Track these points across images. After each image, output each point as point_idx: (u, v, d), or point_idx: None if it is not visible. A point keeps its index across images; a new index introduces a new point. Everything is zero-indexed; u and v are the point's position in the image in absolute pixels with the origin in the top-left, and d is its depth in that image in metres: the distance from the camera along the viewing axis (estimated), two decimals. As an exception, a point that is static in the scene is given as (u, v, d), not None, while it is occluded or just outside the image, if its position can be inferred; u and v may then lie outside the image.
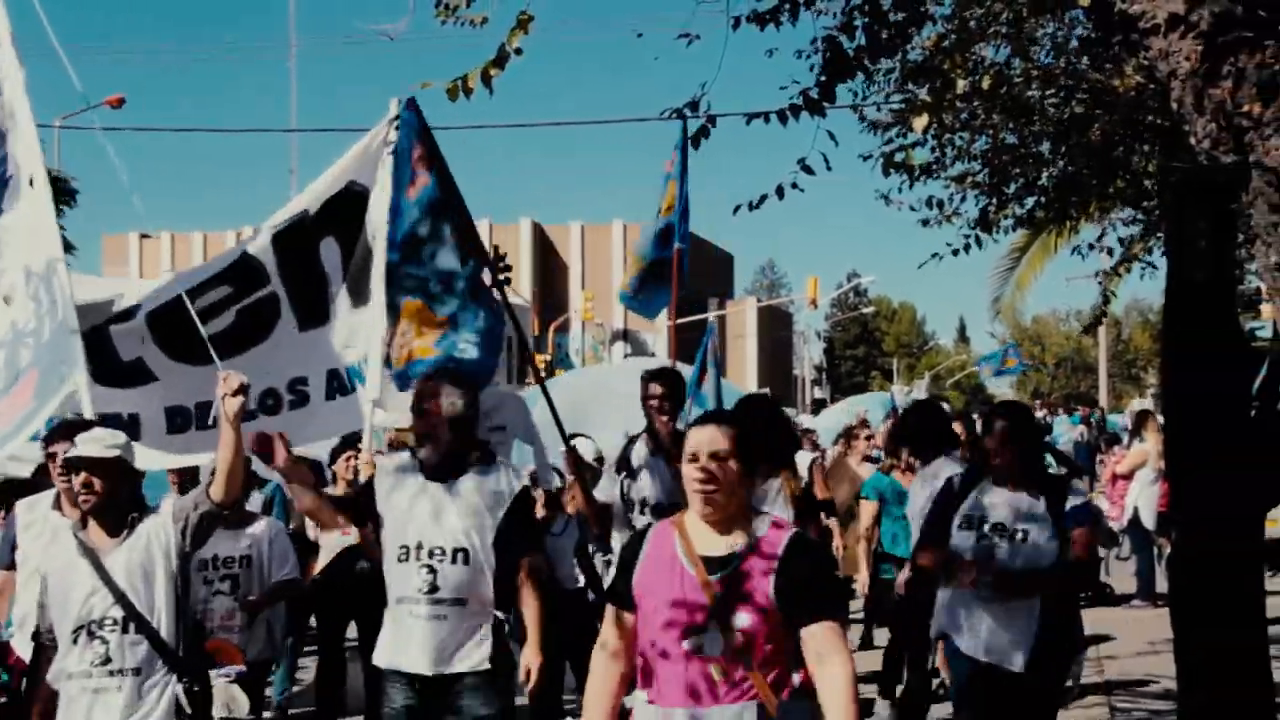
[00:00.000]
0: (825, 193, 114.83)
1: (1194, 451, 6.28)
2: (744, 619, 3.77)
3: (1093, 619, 12.65)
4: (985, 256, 15.08)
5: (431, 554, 5.36)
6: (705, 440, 3.87)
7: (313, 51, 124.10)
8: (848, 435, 12.19)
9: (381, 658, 5.50)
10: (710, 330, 9.53)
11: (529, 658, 5.50)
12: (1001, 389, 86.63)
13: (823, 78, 5.19)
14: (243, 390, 4.87)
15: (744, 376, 68.27)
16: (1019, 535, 5.82)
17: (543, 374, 9.14)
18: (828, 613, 3.85)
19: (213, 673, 5.24)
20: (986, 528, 5.89)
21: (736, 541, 3.86)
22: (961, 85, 4.73)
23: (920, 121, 4.70)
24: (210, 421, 6.33)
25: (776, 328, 75.39)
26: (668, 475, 6.51)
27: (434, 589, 5.33)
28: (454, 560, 5.35)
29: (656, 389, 6.84)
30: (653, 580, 3.90)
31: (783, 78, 5.91)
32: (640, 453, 6.80)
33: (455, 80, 4.44)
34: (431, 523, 5.40)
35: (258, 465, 6.28)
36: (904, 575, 8.03)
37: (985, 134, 7.21)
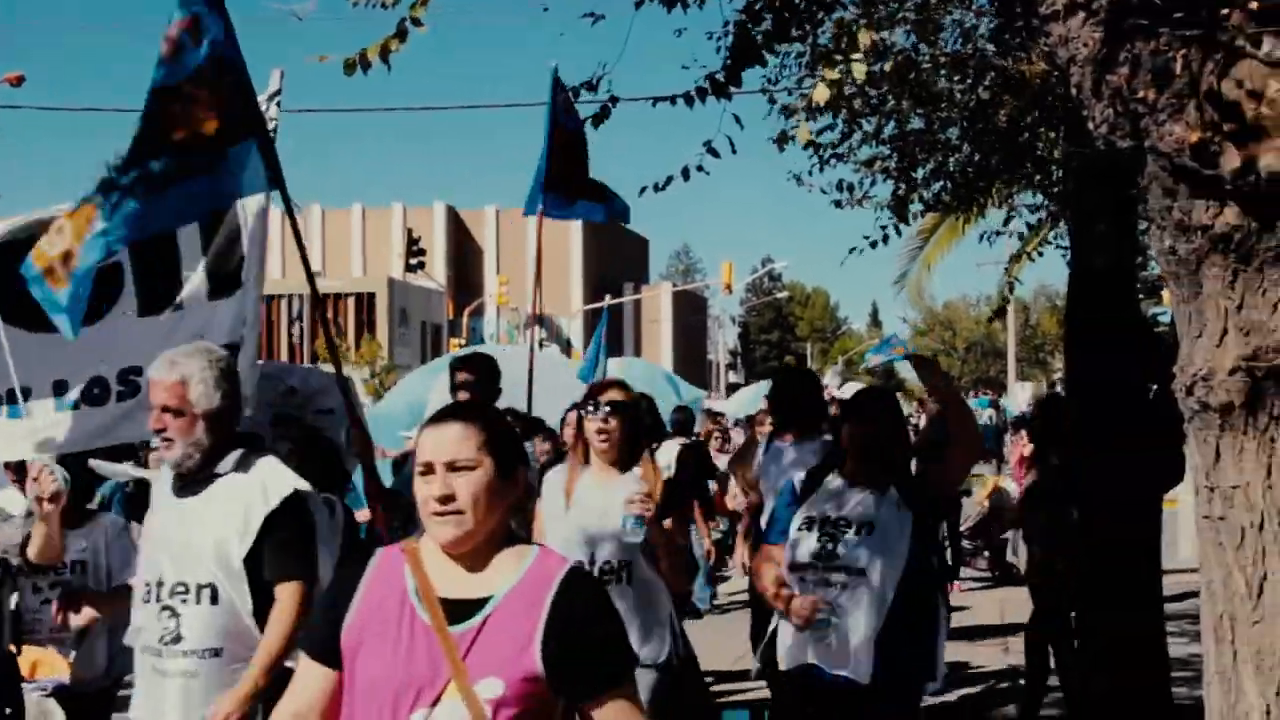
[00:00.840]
0: (740, 178, 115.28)
1: (1094, 435, 6.40)
2: (495, 688, 2.76)
3: (1000, 598, 12.92)
4: (898, 241, 15.27)
5: (173, 593, 4.21)
6: (442, 445, 2.86)
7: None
8: (753, 419, 12.27)
9: None
10: (604, 318, 9.53)
11: (219, 704, 4.06)
12: (911, 374, 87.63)
13: (729, 62, 5.19)
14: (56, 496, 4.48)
15: (659, 361, 68.42)
16: (864, 531, 5.03)
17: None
18: (616, 681, 2.87)
19: (28, 686, 4.98)
20: (829, 527, 5.10)
21: (491, 581, 2.86)
22: (860, 71, 4.76)
23: (821, 92, 4.71)
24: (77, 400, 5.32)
25: (691, 312, 75.68)
26: None
27: (178, 638, 4.19)
28: (199, 599, 4.18)
29: (464, 376, 6.22)
30: (370, 628, 2.84)
31: (694, 59, 5.88)
32: None
33: (354, 55, 4.32)
34: (173, 553, 4.27)
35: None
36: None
37: (894, 119, 7.27)
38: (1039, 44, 3.22)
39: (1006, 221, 9.96)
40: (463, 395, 6.07)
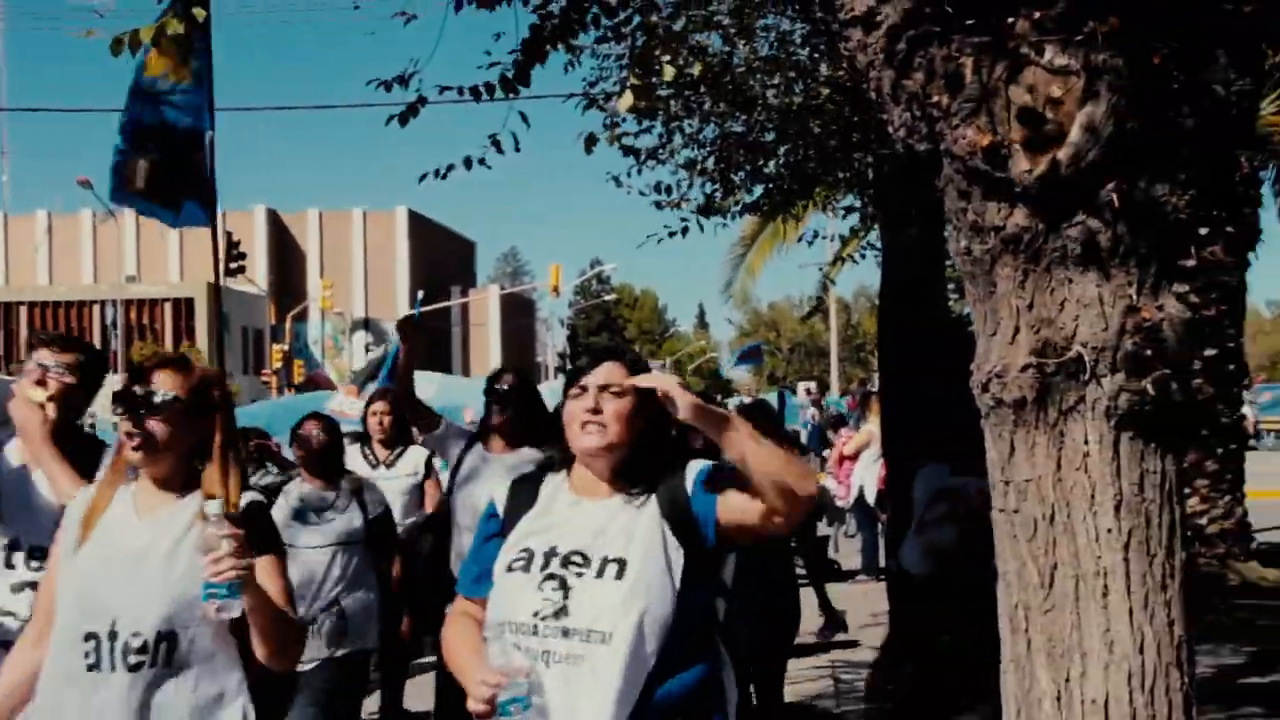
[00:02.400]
0: (568, 180, 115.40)
1: (905, 431, 6.56)
2: None
3: (821, 594, 13.13)
4: (723, 245, 15.53)
5: None
6: None
7: (25, 28, 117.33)
8: None
9: None
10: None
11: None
12: (741, 376, 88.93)
13: (519, 59, 5.17)
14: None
15: (487, 364, 67.94)
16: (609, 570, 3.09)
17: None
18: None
19: None
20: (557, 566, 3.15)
21: None
22: (669, 73, 4.79)
23: (625, 101, 4.74)
24: None
25: (520, 315, 75.46)
26: None
27: None
28: None
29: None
30: None
31: (492, 56, 5.82)
32: None
33: (124, 33, 4.01)
34: None
35: None
36: None
37: (712, 122, 7.34)
38: (841, 49, 3.28)
39: (842, 216, 10.13)
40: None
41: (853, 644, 10.35)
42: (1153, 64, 2.85)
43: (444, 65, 5.66)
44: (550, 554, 3.09)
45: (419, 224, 67.74)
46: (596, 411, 3.10)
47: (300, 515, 6.19)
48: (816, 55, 6.87)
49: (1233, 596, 12.26)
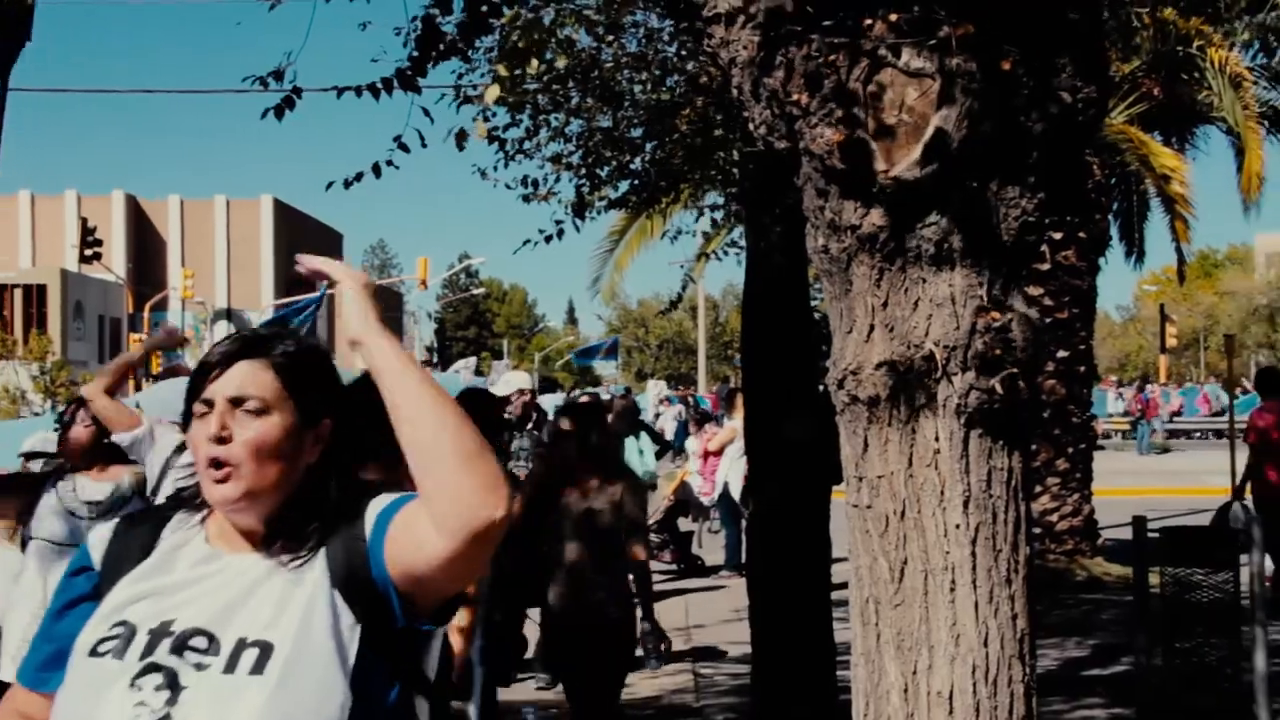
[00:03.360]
0: (438, 173, 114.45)
1: (767, 428, 6.62)
2: None
3: (684, 588, 13.23)
4: (592, 241, 15.51)
5: None
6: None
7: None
8: None
9: None
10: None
11: None
12: (609, 371, 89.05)
13: (415, 55, 5.11)
14: None
15: (355, 357, 67.11)
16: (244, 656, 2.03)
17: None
18: None
19: None
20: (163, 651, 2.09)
21: None
22: (534, 67, 4.77)
23: (492, 93, 4.70)
24: None
25: (387, 308, 74.57)
26: None
27: None
28: None
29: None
30: None
31: (384, 51, 5.74)
32: None
33: None
34: None
35: None
36: None
37: (581, 116, 7.32)
38: (704, 46, 3.30)
39: (698, 219, 10.20)
40: None
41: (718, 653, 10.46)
42: (1003, 70, 2.91)
43: (323, 56, 5.55)
44: (160, 632, 2.05)
45: (285, 213, 66.56)
46: (223, 440, 2.10)
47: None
48: (684, 52, 6.89)
49: (1079, 591, 12.65)
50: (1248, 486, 12.11)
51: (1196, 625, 8.35)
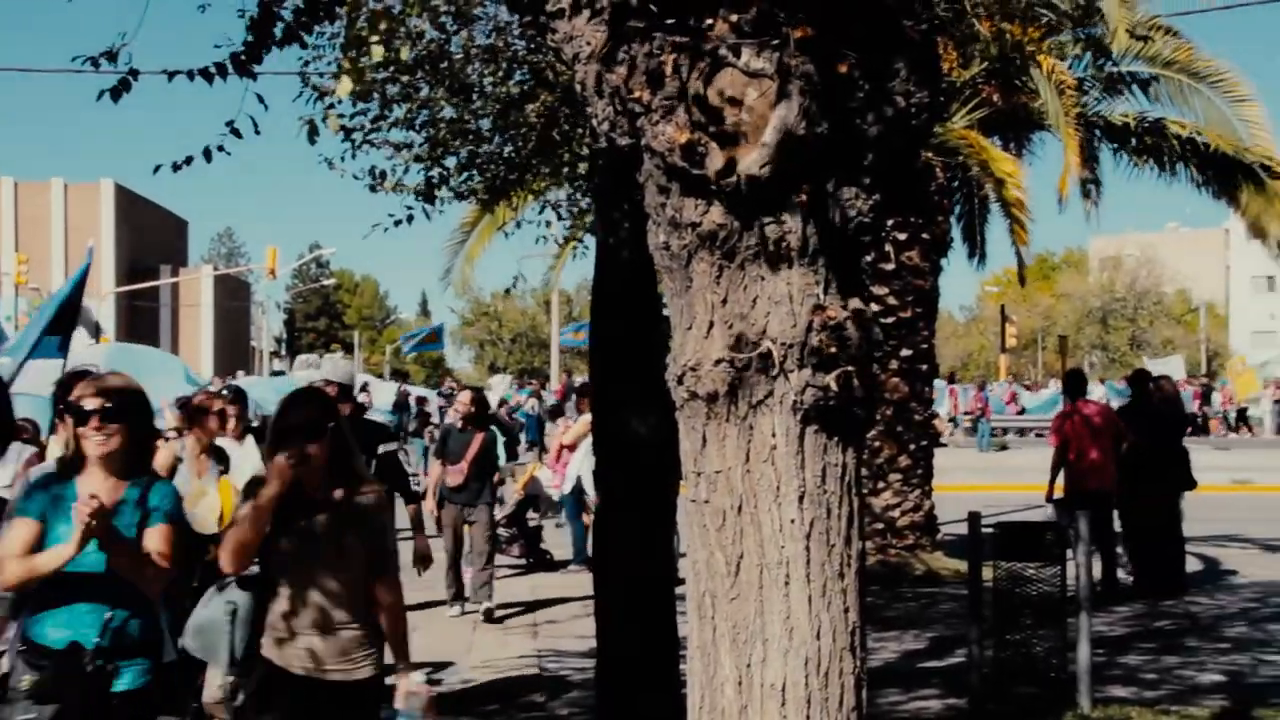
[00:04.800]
0: (288, 161, 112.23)
1: (614, 423, 6.63)
2: None
3: (532, 584, 13.22)
4: (445, 233, 15.34)
5: None
6: None
7: None
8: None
9: None
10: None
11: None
12: (461, 364, 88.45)
13: (251, 39, 4.99)
14: None
15: (198, 347, 65.56)
16: None
17: None
18: None
19: None
20: None
21: None
22: (378, 53, 4.69)
23: (344, 86, 4.63)
24: None
25: (234, 297, 72.98)
26: None
27: None
28: None
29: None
30: None
31: (228, 37, 5.58)
32: None
33: None
34: None
35: None
36: None
37: (428, 107, 7.25)
38: (548, 40, 3.28)
39: (541, 211, 10.15)
40: None
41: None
42: (840, 72, 2.96)
43: (169, 37, 5.39)
44: None
45: (126, 199, 64.60)
46: None
47: None
48: (534, 45, 6.87)
49: (918, 585, 12.96)
50: (1058, 483, 12.59)
51: (1026, 617, 8.63)
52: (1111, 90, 14.80)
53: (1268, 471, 26.56)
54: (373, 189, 7.52)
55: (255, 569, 4.69)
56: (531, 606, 11.91)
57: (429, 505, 11.73)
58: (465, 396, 12.63)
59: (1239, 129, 14.15)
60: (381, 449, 8.28)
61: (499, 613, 11.35)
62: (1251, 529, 17.03)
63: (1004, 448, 35.43)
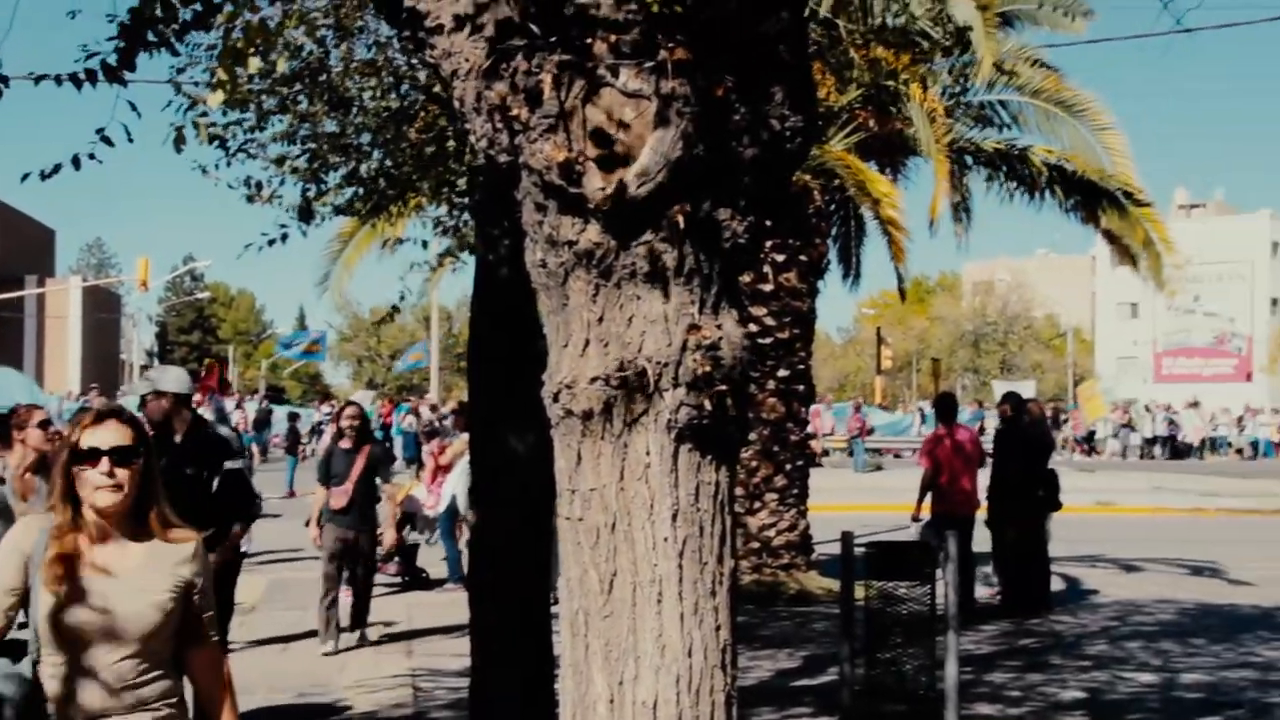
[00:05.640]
0: (161, 171, 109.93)
1: (491, 442, 6.61)
2: None
3: (408, 602, 13.08)
4: (325, 244, 15.10)
5: None
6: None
7: None
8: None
9: None
10: None
11: None
12: (339, 380, 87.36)
13: (122, 45, 4.88)
14: None
15: (65, 359, 63.78)
16: None
17: None
18: None
19: None
20: None
21: None
22: (254, 65, 4.63)
23: (215, 98, 4.57)
24: None
25: (103, 309, 71.17)
26: None
27: None
28: None
29: None
30: None
31: (99, 41, 5.44)
32: None
33: None
34: None
35: None
36: None
37: (308, 121, 7.15)
38: (427, 57, 3.25)
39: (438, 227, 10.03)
40: None
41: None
42: (717, 95, 3.00)
43: (30, 38, 5.24)
44: None
45: None
46: None
47: None
48: (415, 61, 6.83)
49: (793, 604, 13.09)
50: (925, 503, 12.87)
51: (897, 636, 8.77)
52: (982, 118, 15.19)
53: (1129, 493, 27.38)
54: (250, 199, 7.40)
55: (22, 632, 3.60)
56: (407, 625, 11.78)
57: (311, 531, 11.24)
58: (352, 410, 11.92)
59: (1103, 157, 14.60)
60: (227, 465, 7.55)
61: (373, 634, 11.20)
62: (1113, 549, 17.53)
63: (879, 468, 36.03)
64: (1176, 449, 47.48)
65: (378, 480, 11.23)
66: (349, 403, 13.77)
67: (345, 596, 11.38)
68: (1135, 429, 48.39)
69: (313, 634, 10.87)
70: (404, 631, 11.56)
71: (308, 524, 11.68)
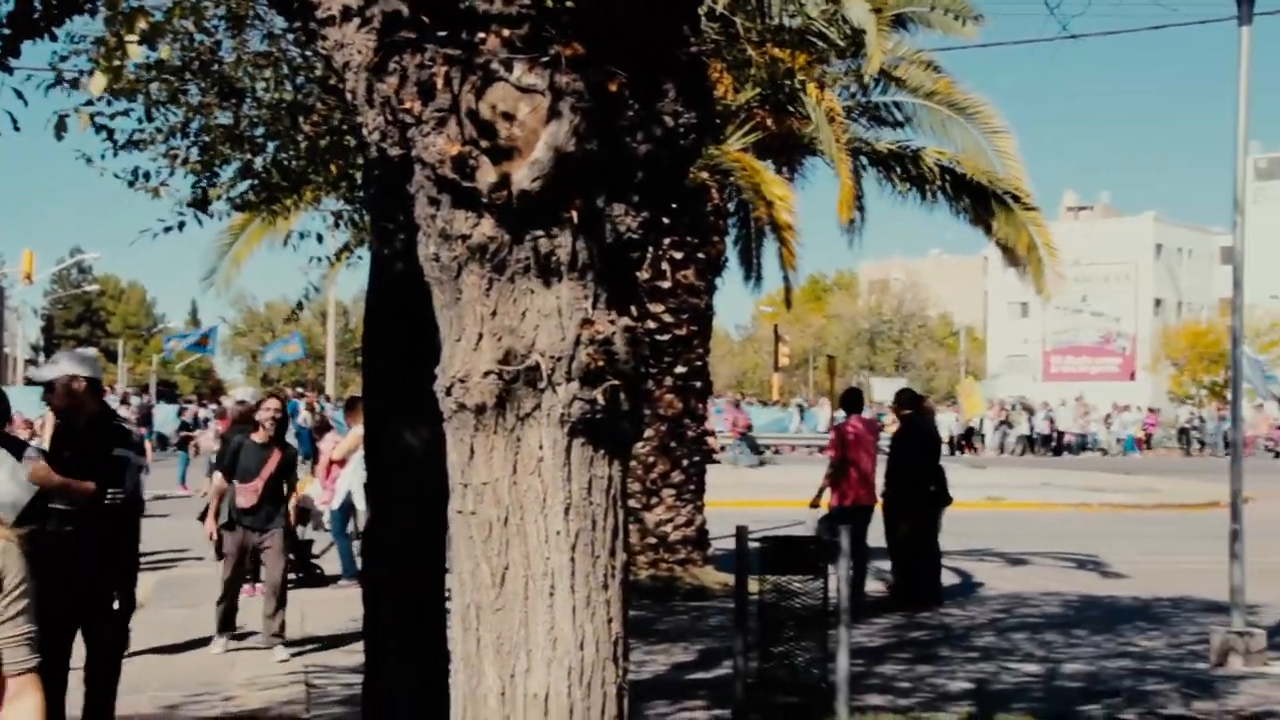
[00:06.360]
0: (49, 162, 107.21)
1: (386, 436, 6.57)
2: None
3: (303, 599, 12.94)
4: (212, 239, 14.82)
5: None
6: None
7: None
8: None
9: None
10: None
11: None
12: (233, 375, 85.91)
13: (6, 33, 4.79)
14: None
15: (-55, 354, 62.03)
16: None
17: None
18: None
19: None
20: None
21: None
22: (135, 52, 4.55)
23: (98, 84, 4.48)
24: None
25: (-13, 302, 69.28)
26: None
27: None
28: None
29: None
30: None
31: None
32: None
33: None
34: None
35: None
36: None
37: (200, 112, 7.04)
38: (319, 48, 3.23)
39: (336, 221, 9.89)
40: None
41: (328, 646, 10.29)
42: (610, 91, 3.02)
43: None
44: None
45: None
46: None
47: None
48: (310, 53, 6.75)
49: (689, 599, 13.18)
50: (826, 495, 13.13)
51: (790, 629, 8.88)
52: (877, 119, 15.40)
53: (1018, 489, 27.95)
54: (131, 184, 7.25)
55: None
56: (300, 622, 11.65)
57: (208, 527, 10.78)
58: (273, 404, 11.21)
59: (994, 159, 14.90)
60: (115, 451, 7.37)
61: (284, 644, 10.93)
62: (1001, 544, 17.89)
63: (764, 463, 36.46)
64: (1057, 446, 48.64)
65: (285, 483, 10.71)
66: (272, 395, 13.32)
67: (250, 594, 11.16)
68: (1013, 426, 49.40)
69: (206, 638, 10.65)
70: (297, 628, 11.43)
71: (202, 517, 11.45)
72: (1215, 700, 8.97)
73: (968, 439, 48.46)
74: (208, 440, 31.69)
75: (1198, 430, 50.84)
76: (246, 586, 11.05)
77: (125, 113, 6.57)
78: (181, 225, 7.36)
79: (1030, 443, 48.82)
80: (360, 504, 13.63)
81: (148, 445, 29.00)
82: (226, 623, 10.49)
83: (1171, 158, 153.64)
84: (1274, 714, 8.55)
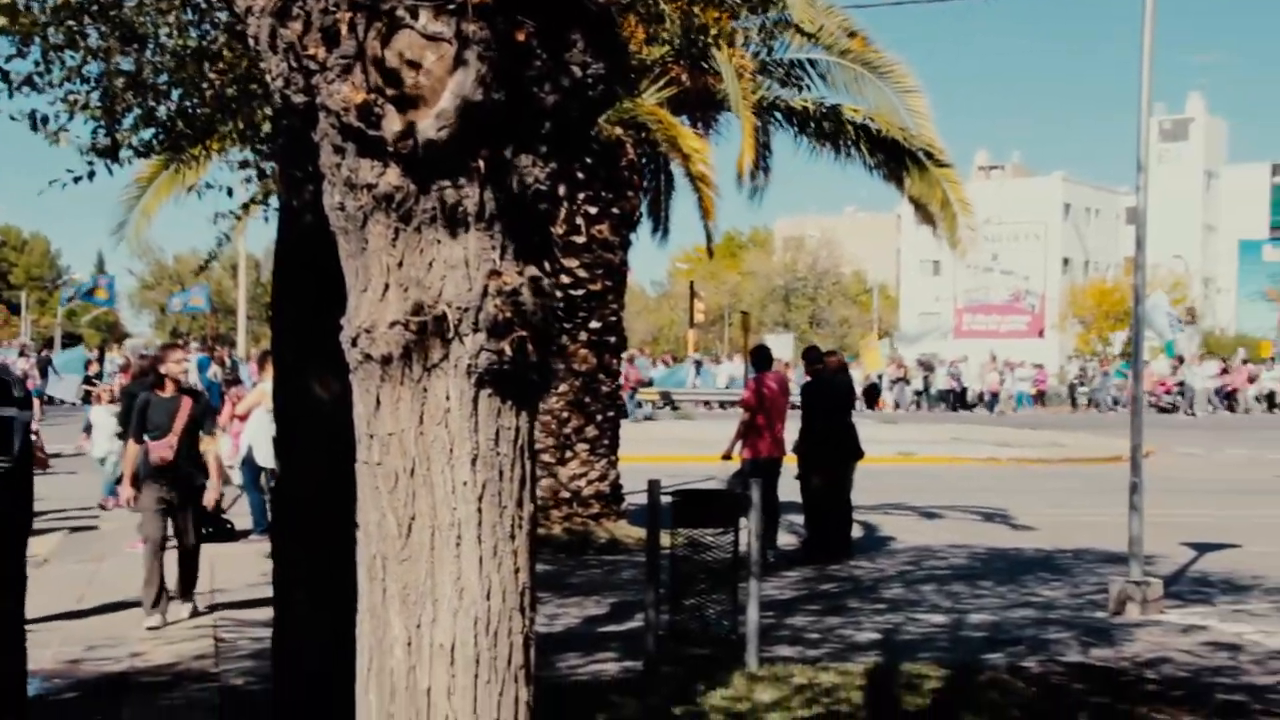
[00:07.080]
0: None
1: (295, 390, 6.51)
2: None
3: (212, 554, 12.81)
4: (120, 190, 14.45)
5: None
6: None
7: None
8: None
9: None
10: None
11: None
12: (141, 329, 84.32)
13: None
14: None
15: None
16: None
17: None
18: None
19: None
20: None
21: None
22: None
23: (-5, 23, 4.37)
24: None
25: (-117, 253, 67.36)
26: None
27: None
28: None
29: None
30: None
31: None
32: None
33: None
34: None
35: None
36: None
37: (100, 57, 6.87)
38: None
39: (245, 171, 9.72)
40: None
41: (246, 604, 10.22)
42: (518, 40, 3.00)
43: None
44: None
45: None
46: None
47: None
48: (219, -1, 6.61)
49: (603, 553, 13.25)
50: (737, 449, 13.30)
51: (701, 582, 8.98)
52: (793, 76, 15.43)
53: (929, 444, 28.38)
54: (33, 128, 7.07)
55: None
56: (208, 576, 11.54)
57: (126, 491, 10.20)
58: (179, 355, 10.77)
59: (906, 118, 15.01)
60: None
61: (200, 604, 10.69)
62: (912, 498, 18.18)
63: (650, 419, 36.90)
64: (959, 402, 49.37)
65: (201, 433, 10.16)
66: (173, 345, 12.86)
67: (131, 549, 10.84)
68: (909, 382, 50.03)
69: (114, 599, 10.43)
70: (206, 582, 11.32)
71: (118, 483, 11.23)
72: (1112, 648, 9.21)
73: (871, 395, 48.96)
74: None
75: (1084, 387, 51.68)
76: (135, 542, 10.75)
77: (20, 54, 6.40)
78: (92, 175, 7.20)
79: (926, 398, 49.49)
80: (261, 459, 13.44)
81: (35, 402, 28.44)
82: (157, 599, 9.78)
83: (1081, 117, 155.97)
84: (1168, 659, 8.81)
